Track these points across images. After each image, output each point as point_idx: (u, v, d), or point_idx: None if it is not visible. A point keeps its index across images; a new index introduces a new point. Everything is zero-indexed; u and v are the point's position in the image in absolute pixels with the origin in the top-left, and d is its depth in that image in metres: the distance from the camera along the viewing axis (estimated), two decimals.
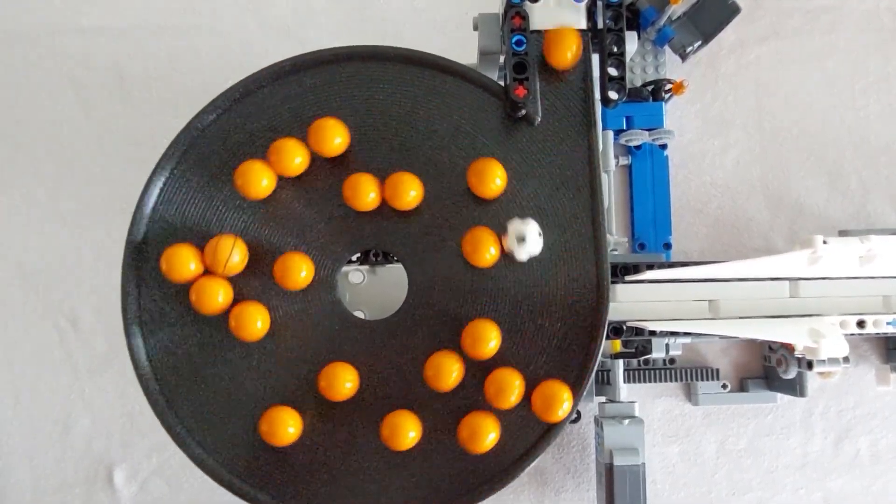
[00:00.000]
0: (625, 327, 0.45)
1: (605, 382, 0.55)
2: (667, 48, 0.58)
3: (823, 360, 0.51)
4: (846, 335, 0.45)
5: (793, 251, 0.46)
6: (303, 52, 0.62)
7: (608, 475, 0.52)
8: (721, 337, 0.51)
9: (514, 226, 0.39)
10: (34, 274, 0.60)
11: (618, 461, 0.52)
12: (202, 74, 0.61)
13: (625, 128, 0.58)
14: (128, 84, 0.61)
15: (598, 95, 0.42)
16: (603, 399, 0.55)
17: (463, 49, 0.61)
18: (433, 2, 0.62)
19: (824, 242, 0.44)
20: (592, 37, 0.41)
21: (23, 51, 0.61)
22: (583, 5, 0.41)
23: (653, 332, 0.45)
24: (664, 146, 0.59)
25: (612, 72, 0.40)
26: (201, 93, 0.61)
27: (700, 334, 0.49)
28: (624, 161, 0.59)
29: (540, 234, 0.39)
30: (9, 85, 0.61)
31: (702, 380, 0.58)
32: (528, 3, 0.40)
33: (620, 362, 0.54)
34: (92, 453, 0.59)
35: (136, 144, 0.61)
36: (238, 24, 0.61)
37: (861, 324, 0.46)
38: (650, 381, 0.58)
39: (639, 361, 0.58)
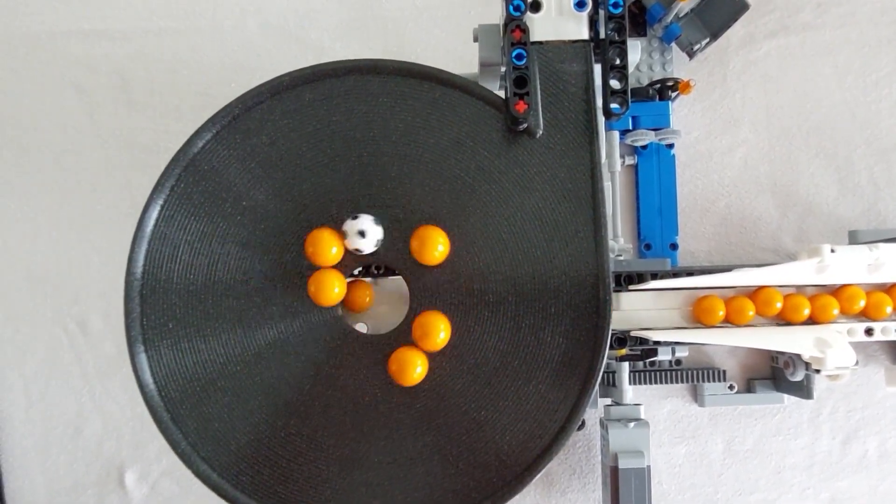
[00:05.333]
0: (628, 337, 0.45)
1: (610, 384, 0.55)
2: (674, 45, 0.57)
3: None
4: (853, 342, 0.45)
5: (800, 259, 0.45)
6: (304, 52, 0.62)
7: (613, 478, 0.52)
8: None
9: (350, 226, 0.39)
10: (42, 279, 0.60)
11: (623, 464, 0.52)
12: (204, 76, 0.61)
13: (631, 128, 0.57)
14: (130, 87, 0.61)
15: (599, 103, 0.41)
16: (608, 401, 0.55)
17: (465, 48, 0.61)
18: (435, 0, 0.61)
19: (832, 251, 0.44)
20: (595, 47, 0.41)
21: (25, 55, 0.61)
22: (584, 15, 0.40)
23: (657, 342, 0.45)
24: (671, 145, 0.58)
25: (615, 84, 0.39)
26: (203, 95, 0.61)
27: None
28: (630, 161, 0.58)
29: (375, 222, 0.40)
30: (13, 90, 0.61)
31: (708, 381, 0.58)
32: (529, 14, 0.40)
33: (626, 364, 0.54)
34: (103, 455, 0.60)
35: (141, 148, 0.61)
36: (239, 24, 0.61)
37: (869, 331, 0.45)
38: (656, 383, 0.57)
39: (645, 363, 0.57)
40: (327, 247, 0.39)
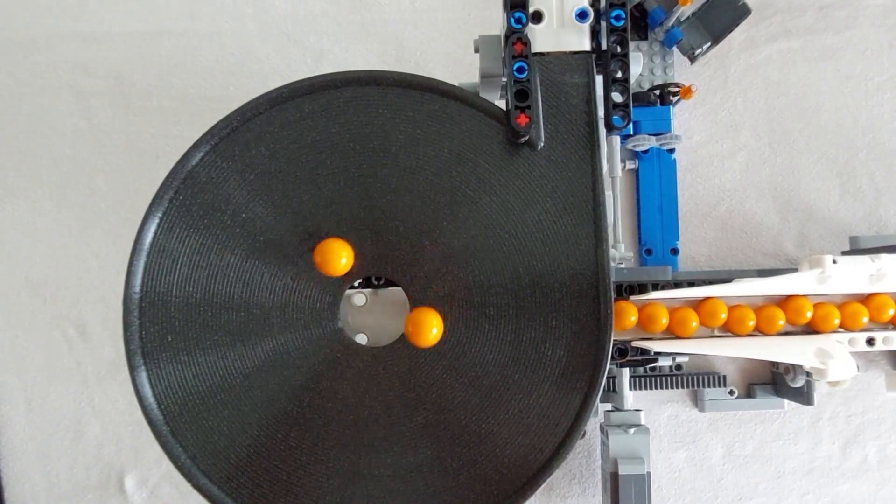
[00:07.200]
0: (629, 347, 0.45)
1: (610, 390, 0.55)
2: (675, 50, 0.57)
3: None
4: (854, 352, 0.45)
5: (801, 269, 0.45)
6: (303, 55, 0.61)
7: (613, 483, 0.52)
8: None
9: None
10: (41, 284, 0.60)
11: (623, 470, 0.52)
12: (202, 80, 0.61)
13: (632, 133, 0.56)
14: (128, 91, 0.60)
15: (601, 113, 0.41)
16: (609, 406, 0.55)
17: (464, 51, 0.60)
18: (434, 3, 0.60)
19: (834, 262, 0.43)
20: (597, 58, 0.40)
21: (23, 58, 0.60)
22: (586, 26, 0.39)
23: (658, 353, 0.45)
24: (672, 150, 0.58)
25: (616, 97, 0.39)
26: (202, 99, 0.61)
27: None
28: (631, 165, 0.58)
29: None
30: (10, 93, 0.60)
31: (709, 386, 0.58)
32: (530, 25, 0.39)
33: (626, 370, 0.54)
34: (103, 459, 0.60)
35: (140, 152, 0.60)
36: (237, 28, 0.60)
37: (871, 341, 0.45)
38: (657, 388, 0.57)
39: (645, 368, 0.57)
40: (336, 257, 0.39)
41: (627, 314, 0.44)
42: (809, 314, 0.44)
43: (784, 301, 0.45)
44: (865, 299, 0.45)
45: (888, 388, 0.57)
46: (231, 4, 0.60)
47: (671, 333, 0.45)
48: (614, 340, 0.43)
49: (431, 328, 0.39)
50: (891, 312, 0.45)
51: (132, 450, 0.60)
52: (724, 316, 0.45)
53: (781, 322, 0.44)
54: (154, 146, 0.60)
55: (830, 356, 0.43)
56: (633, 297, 0.45)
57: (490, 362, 0.40)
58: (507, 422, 0.40)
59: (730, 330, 0.45)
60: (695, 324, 0.45)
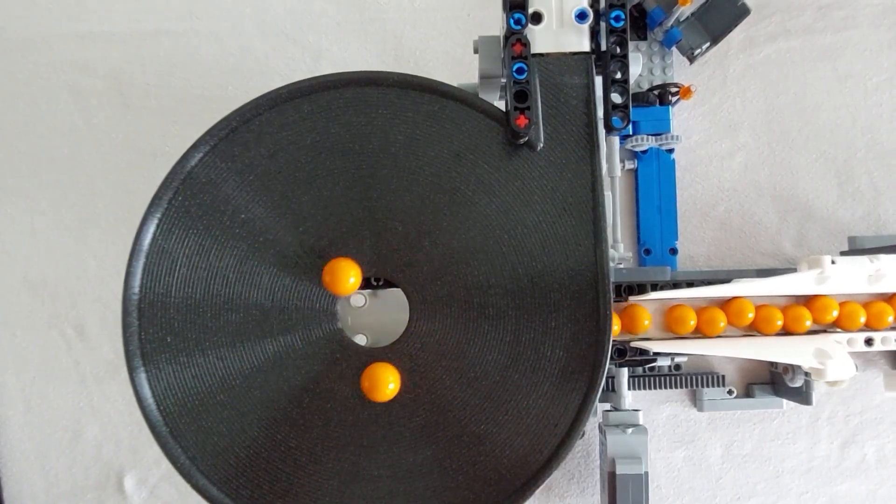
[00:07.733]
0: (628, 347, 0.45)
1: (609, 389, 0.55)
2: (674, 50, 0.57)
3: None
4: (853, 352, 0.45)
5: (800, 269, 0.45)
6: (302, 54, 0.61)
7: (610, 483, 0.52)
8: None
9: None
10: (40, 284, 0.60)
11: (620, 470, 0.52)
12: (201, 79, 0.61)
13: (631, 133, 0.57)
14: (127, 90, 0.60)
15: (600, 114, 0.41)
16: (607, 406, 0.55)
17: (463, 50, 0.60)
18: (433, 2, 0.60)
19: (832, 262, 0.44)
20: (596, 59, 0.40)
21: (21, 58, 0.60)
22: (586, 27, 0.39)
23: (657, 353, 0.45)
24: (671, 150, 0.58)
25: (616, 98, 0.39)
26: (200, 98, 0.61)
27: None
28: (630, 165, 0.58)
29: None
30: (7, 92, 0.60)
31: (707, 386, 0.58)
32: (529, 25, 0.39)
33: (625, 370, 0.54)
34: (102, 460, 0.60)
35: (138, 152, 0.60)
36: (236, 27, 0.60)
37: (869, 341, 0.46)
38: (655, 388, 0.57)
39: (644, 368, 0.57)
40: (345, 276, 0.39)
41: (641, 318, 0.44)
42: (809, 322, 0.45)
43: (791, 302, 0.45)
44: (866, 303, 0.45)
45: (886, 387, 0.57)
46: (230, 4, 0.60)
47: (670, 333, 0.46)
48: (613, 340, 0.43)
49: (388, 383, 0.40)
50: (889, 320, 0.45)
51: (131, 450, 0.60)
52: (723, 324, 0.45)
53: (779, 321, 0.44)
54: (153, 146, 0.60)
55: (829, 356, 0.43)
56: (631, 298, 0.45)
57: (489, 363, 0.40)
58: (506, 422, 0.40)
59: (730, 323, 0.45)
60: (693, 322, 0.45)
